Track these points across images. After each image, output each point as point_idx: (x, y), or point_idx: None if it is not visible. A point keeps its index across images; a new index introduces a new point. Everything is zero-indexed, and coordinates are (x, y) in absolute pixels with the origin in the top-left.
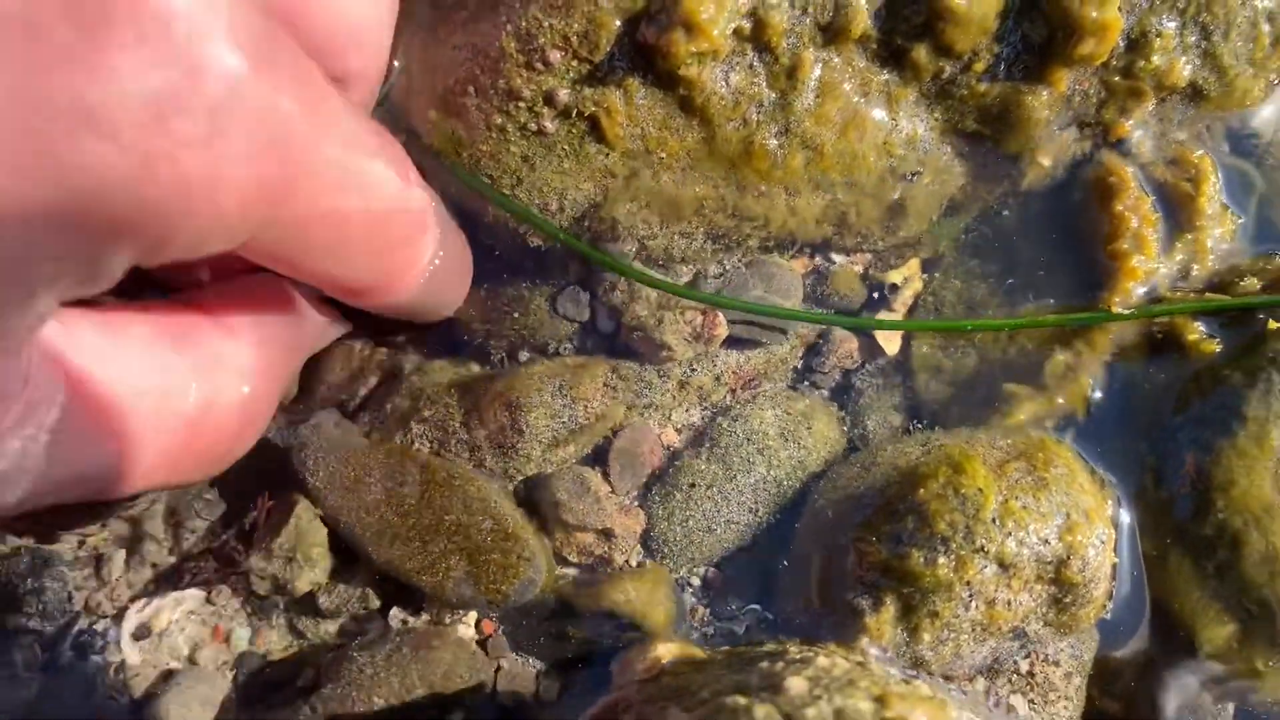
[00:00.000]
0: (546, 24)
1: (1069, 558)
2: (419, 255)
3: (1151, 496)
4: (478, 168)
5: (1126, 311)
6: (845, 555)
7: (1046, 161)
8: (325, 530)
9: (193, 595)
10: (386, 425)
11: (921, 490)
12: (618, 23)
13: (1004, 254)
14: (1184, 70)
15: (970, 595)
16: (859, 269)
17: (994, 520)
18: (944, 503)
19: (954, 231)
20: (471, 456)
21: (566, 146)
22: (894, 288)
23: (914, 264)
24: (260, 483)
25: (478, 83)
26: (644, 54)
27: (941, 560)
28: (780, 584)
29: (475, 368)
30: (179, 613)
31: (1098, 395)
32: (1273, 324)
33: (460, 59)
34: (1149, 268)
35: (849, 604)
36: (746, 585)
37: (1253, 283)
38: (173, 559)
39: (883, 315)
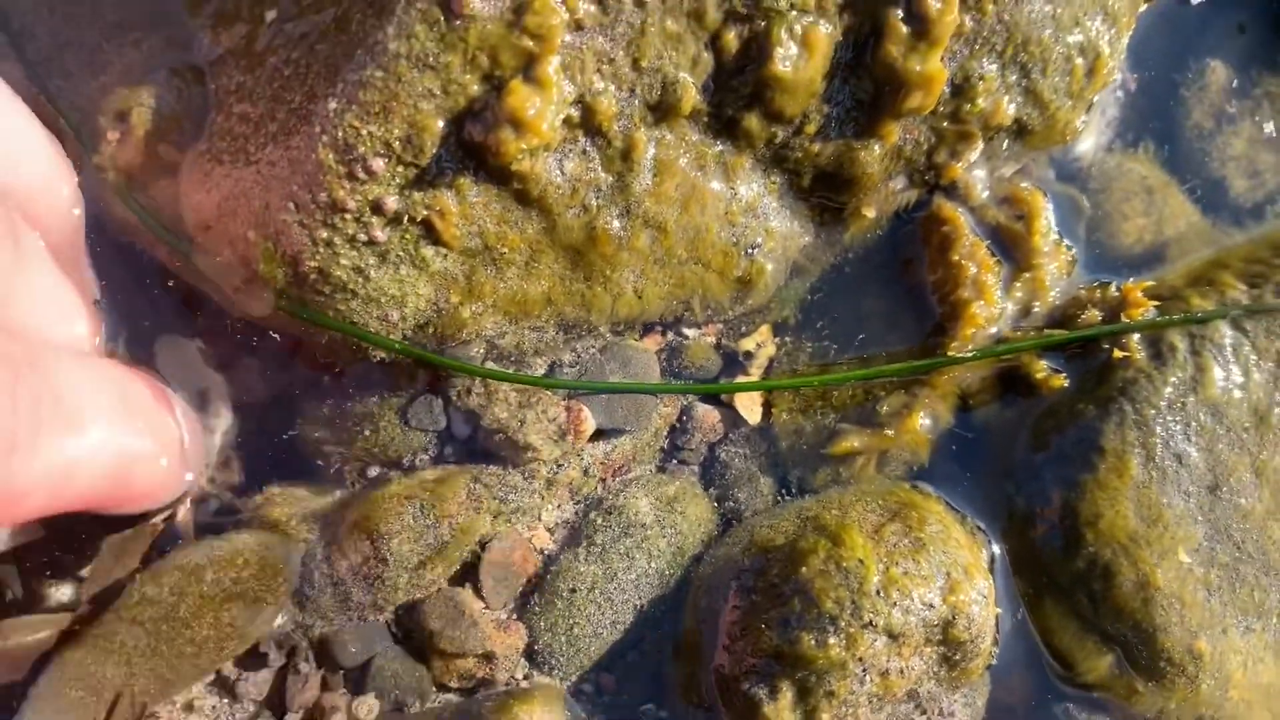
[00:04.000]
0: (365, 131)
1: (955, 618)
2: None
3: (1022, 536)
4: (305, 285)
5: (966, 354)
6: (734, 643)
7: (871, 213)
8: None
9: None
10: None
11: (804, 568)
12: (441, 123)
13: (851, 310)
14: (1009, 109)
15: (864, 670)
16: (711, 340)
17: (878, 592)
18: (828, 579)
19: (800, 294)
20: (335, 591)
21: (401, 253)
22: (748, 355)
23: (765, 330)
24: None
25: (297, 198)
26: (472, 152)
27: (833, 640)
28: (672, 680)
29: (329, 490)
30: None
31: (961, 436)
32: (1117, 353)
33: (276, 175)
34: (990, 313)
35: (745, 695)
36: (640, 685)
37: (1093, 314)
38: None
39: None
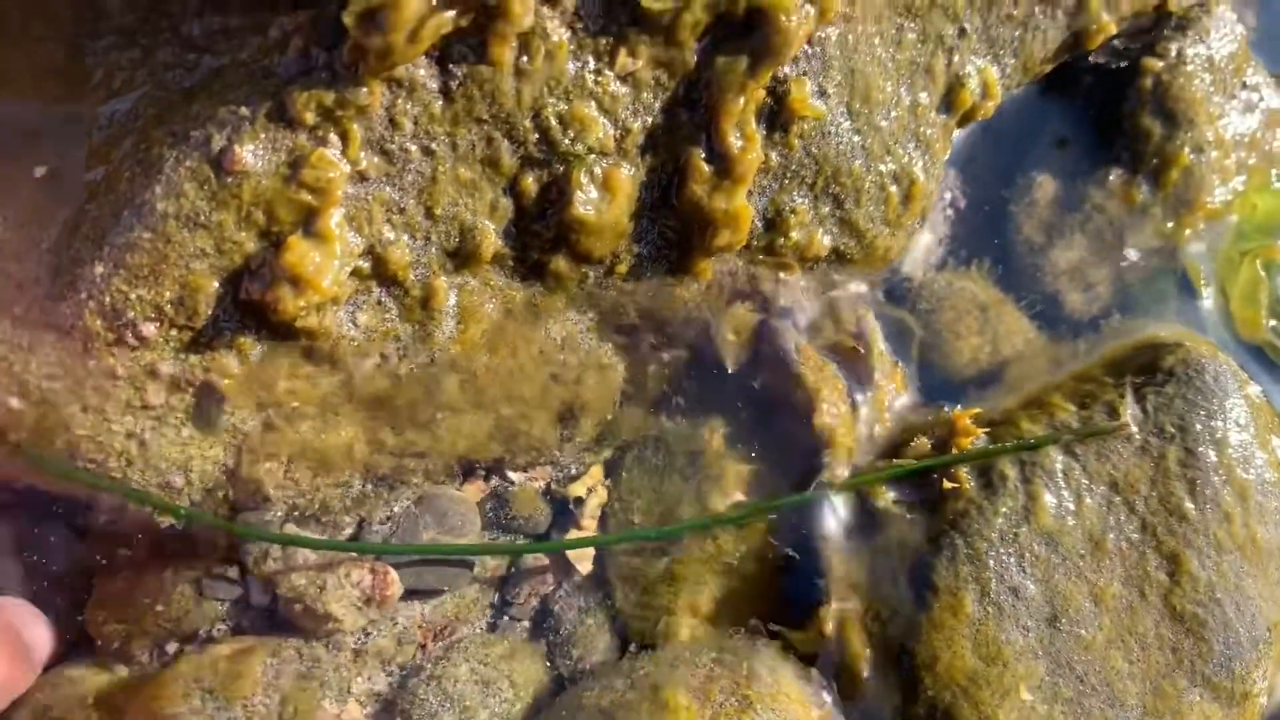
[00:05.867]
0: (134, 296)
1: None
2: None
3: (862, 684)
4: (77, 453)
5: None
6: None
7: (733, 335)
8: None
9: None
10: None
11: None
12: (215, 284)
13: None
14: (824, 240)
15: None
16: (539, 485)
17: None
18: None
19: (635, 424)
20: None
21: (182, 415)
22: (579, 501)
23: (596, 472)
24: None
25: (64, 364)
26: (253, 310)
27: None
28: None
29: (121, 670)
30: None
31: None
32: (946, 484)
33: (43, 342)
34: (850, 443)
35: None
36: None
37: (923, 442)
38: None
39: (572, 533)
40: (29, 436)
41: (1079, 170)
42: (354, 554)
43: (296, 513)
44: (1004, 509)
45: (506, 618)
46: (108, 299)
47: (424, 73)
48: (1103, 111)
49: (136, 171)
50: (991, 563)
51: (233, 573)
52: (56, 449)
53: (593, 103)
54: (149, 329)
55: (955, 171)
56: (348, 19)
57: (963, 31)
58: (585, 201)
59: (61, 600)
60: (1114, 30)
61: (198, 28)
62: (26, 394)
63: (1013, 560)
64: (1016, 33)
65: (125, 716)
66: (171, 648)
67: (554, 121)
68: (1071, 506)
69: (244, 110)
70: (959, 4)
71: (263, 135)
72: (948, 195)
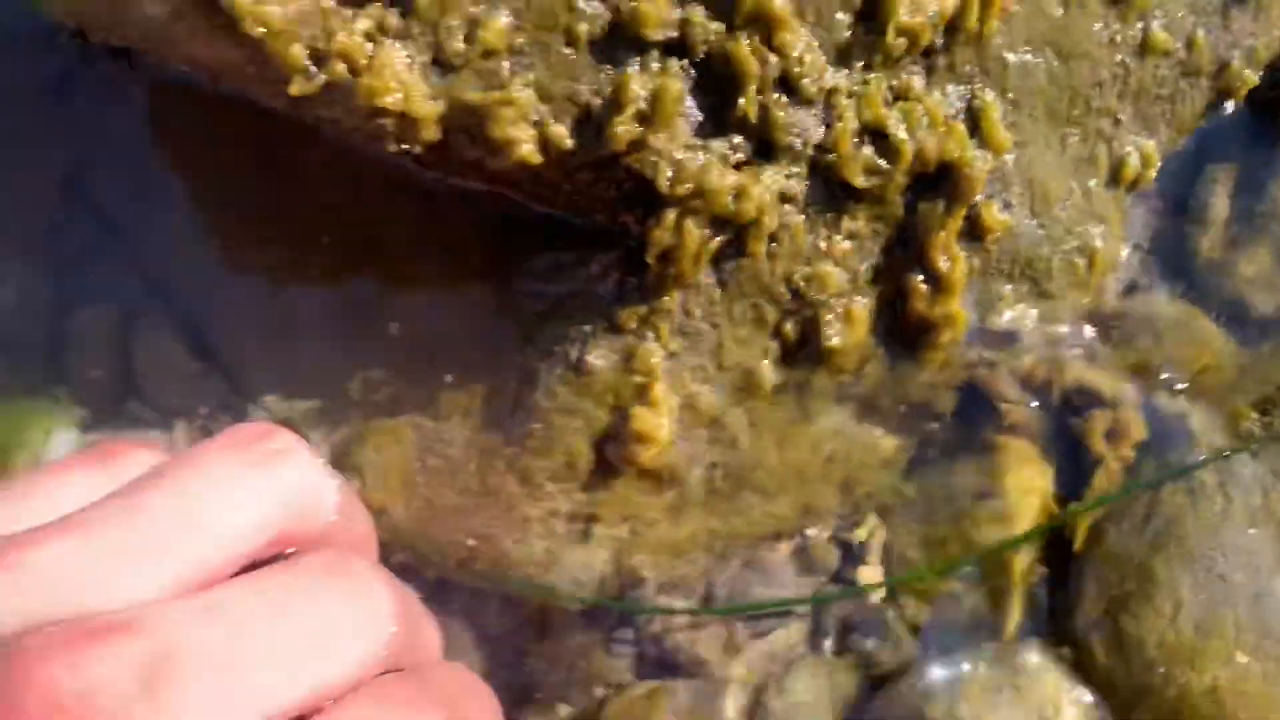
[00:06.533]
0: (538, 465)
1: None
2: None
3: (1104, 665)
4: (507, 560)
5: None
6: None
7: (1007, 386)
8: None
9: None
10: None
11: None
12: (588, 449)
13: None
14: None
15: None
16: (828, 535)
17: None
18: None
19: (901, 481)
20: None
21: (576, 536)
22: (862, 545)
23: (872, 517)
24: None
25: (497, 517)
26: (611, 462)
27: None
28: None
29: (563, 710)
30: None
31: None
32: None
33: (480, 506)
34: None
35: None
36: None
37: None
38: None
39: (863, 571)
40: (484, 563)
41: (1250, 188)
42: (706, 615)
43: (665, 586)
44: (1206, 514)
45: (825, 643)
46: (518, 474)
47: (704, 277)
48: (1263, 129)
49: (522, 384)
50: (1202, 560)
51: (628, 634)
52: (499, 568)
53: (828, 261)
54: (549, 486)
55: (1133, 218)
56: (649, 259)
57: (1118, 121)
58: (833, 334)
59: (504, 658)
60: (1257, 81)
61: (540, 263)
62: (477, 536)
63: (1219, 555)
64: (1166, 107)
65: None
66: (599, 692)
67: (801, 282)
68: (1258, 503)
69: (587, 328)
70: (1112, 103)
71: (603, 344)
72: (1130, 241)
